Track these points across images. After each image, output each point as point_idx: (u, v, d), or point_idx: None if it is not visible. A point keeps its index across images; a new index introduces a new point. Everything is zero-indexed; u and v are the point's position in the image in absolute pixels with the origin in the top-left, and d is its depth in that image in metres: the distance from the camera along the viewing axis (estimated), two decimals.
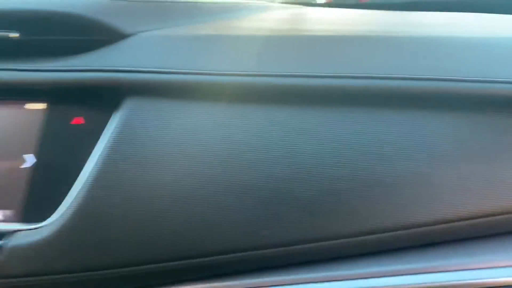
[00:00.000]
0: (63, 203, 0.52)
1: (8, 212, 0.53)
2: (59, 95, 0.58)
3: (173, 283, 0.52)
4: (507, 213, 0.52)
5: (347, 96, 0.55)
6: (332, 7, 1.00)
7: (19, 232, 0.51)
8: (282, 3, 0.97)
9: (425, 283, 0.51)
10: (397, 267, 0.53)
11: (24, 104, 0.58)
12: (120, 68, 0.56)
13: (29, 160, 0.55)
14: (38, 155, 0.55)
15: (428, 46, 0.61)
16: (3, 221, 0.53)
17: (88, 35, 0.60)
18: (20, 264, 0.49)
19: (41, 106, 0.58)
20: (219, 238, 0.50)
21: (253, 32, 0.67)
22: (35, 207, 0.53)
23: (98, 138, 0.55)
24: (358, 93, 0.54)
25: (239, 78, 0.55)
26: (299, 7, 0.95)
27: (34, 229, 0.51)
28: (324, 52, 0.60)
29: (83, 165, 0.54)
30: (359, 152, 0.52)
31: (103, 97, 0.57)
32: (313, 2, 1.06)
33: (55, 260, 0.49)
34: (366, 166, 0.51)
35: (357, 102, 0.54)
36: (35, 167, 0.55)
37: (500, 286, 0.51)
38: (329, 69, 0.56)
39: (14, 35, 0.59)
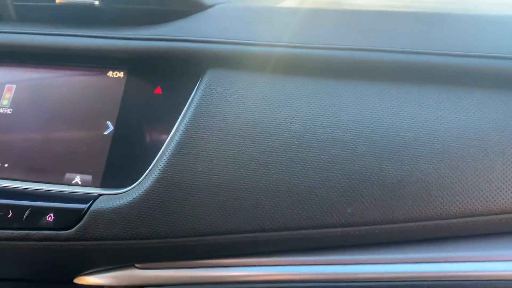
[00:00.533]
0: (147, 170, 0.52)
1: (92, 177, 0.54)
2: (139, 64, 0.58)
3: (252, 255, 0.52)
4: None
5: (442, 73, 0.53)
6: None
7: (103, 196, 0.51)
8: None
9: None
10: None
11: (106, 71, 0.59)
12: (202, 39, 0.56)
13: (112, 127, 0.56)
14: (120, 123, 0.56)
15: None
16: (87, 185, 0.54)
17: (169, 5, 0.60)
18: (104, 227, 0.50)
19: (122, 74, 0.59)
20: (299, 214, 0.49)
21: (331, 6, 0.66)
22: (118, 172, 0.54)
23: (179, 107, 0.55)
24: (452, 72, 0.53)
25: (322, 51, 0.54)
26: None
27: (118, 194, 0.51)
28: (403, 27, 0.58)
29: (166, 133, 0.54)
30: (448, 132, 0.50)
31: (183, 67, 0.57)
32: None
33: (138, 225, 0.49)
34: (455, 147, 0.49)
35: (451, 82, 0.53)
36: (117, 134, 0.55)
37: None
38: (426, 46, 0.54)
39: (95, 2, 0.60)
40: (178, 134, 0.52)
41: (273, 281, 0.51)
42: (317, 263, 0.51)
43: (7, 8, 0.62)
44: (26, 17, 0.63)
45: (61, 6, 0.60)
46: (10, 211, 0.51)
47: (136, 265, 0.53)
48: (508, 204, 0.48)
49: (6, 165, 0.56)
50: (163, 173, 0.50)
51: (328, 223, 0.49)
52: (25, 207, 0.51)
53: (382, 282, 0.51)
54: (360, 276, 0.51)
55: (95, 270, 0.54)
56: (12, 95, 0.60)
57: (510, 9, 0.68)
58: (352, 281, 0.51)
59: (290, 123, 0.50)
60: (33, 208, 0.51)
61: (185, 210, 0.49)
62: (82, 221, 0.50)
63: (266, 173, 0.49)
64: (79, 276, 0.55)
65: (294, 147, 0.49)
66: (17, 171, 0.56)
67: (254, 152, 0.50)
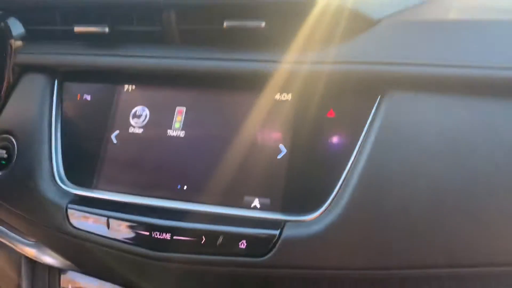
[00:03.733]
0: (332, 197, 0.52)
1: (270, 200, 0.55)
2: (308, 86, 0.58)
3: None
4: None
5: None
6: None
7: (290, 223, 0.52)
8: None
9: None
10: None
11: (273, 94, 0.59)
12: (380, 61, 0.54)
13: (285, 150, 0.57)
14: (293, 146, 0.56)
15: None
16: (267, 209, 0.55)
17: (338, 25, 0.59)
18: (297, 256, 0.50)
19: (290, 96, 0.59)
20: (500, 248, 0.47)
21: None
22: (298, 197, 0.54)
23: (356, 131, 0.54)
24: None
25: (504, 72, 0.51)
26: None
27: (305, 221, 0.52)
28: None
29: (345, 158, 0.53)
30: None
31: (357, 89, 0.56)
32: None
33: (331, 254, 0.49)
34: None
35: None
36: (292, 157, 0.56)
37: None
38: None
39: (262, 24, 0.60)
40: (362, 161, 0.51)
41: None
42: None
43: (172, 32, 0.64)
44: (190, 40, 0.65)
45: (227, 29, 0.61)
46: (203, 236, 0.53)
47: None
48: None
49: (185, 188, 0.59)
50: (351, 203, 0.50)
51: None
52: (217, 233, 0.53)
53: None
54: None
55: None
56: (183, 117, 0.62)
57: None
58: None
59: (490, 149, 0.48)
60: (226, 235, 0.53)
61: (379, 242, 0.48)
62: (276, 249, 0.51)
63: (464, 204, 0.47)
64: None
65: (496, 176, 0.47)
66: (196, 193, 0.58)
67: (451, 182, 0.48)
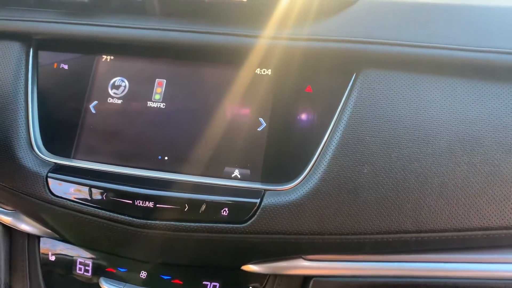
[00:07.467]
0: (309, 167, 0.55)
1: (250, 171, 0.58)
2: (287, 62, 0.60)
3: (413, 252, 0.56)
4: None
5: None
6: None
7: (269, 192, 0.55)
8: None
9: None
10: None
11: (253, 69, 0.61)
12: (356, 39, 0.57)
13: (265, 123, 0.59)
14: (273, 120, 0.59)
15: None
16: (246, 179, 0.58)
17: (316, 3, 0.61)
18: (275, 222, 0.54)
19: (270, 71, 0.61)
20: (461, 216, 0.52)
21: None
22: (276, 168, 0.57)
23: (332, 106, 0.57)
24: None
25: (478, 54, 0.55)
26: None
27: (283, 190, 0.55)
28: None
29: (321, 132, 0.56)
30: None
31: (334, 66, 0.58)
32: None
33: (307, 221, 0.53)
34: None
35: None
36: (271, 130, 0.58)
37: None
38: None
39: None
40: (338, 134, 0.54)
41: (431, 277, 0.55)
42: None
43: (153, 3, 0.64)
44: (171, 12, 0.65)
45: (209, 3, 0.61)
46: (186, 204, 0.55)
47: (302, 256, 0.57)
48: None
49: (166, 158, 0.60)
50: (328, 173, 0.53)
51: (488, 225, 0.52)
52: (200, 201, 0.55)
53: None
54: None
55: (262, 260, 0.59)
56: (163, 89, 0.63)
57: None
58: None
59: (454, 126, 0.52)
60: (209, 203, 0.55)
61: (353, 209, 0.52)
62: (256, 216, 0.54)
63: (431, 175, 0.52)
64: (246, 264, 0.59)
65: (458, 151, 0.52)
66: (178, 164, 0.60)
67: (419, 155, 0.52)
